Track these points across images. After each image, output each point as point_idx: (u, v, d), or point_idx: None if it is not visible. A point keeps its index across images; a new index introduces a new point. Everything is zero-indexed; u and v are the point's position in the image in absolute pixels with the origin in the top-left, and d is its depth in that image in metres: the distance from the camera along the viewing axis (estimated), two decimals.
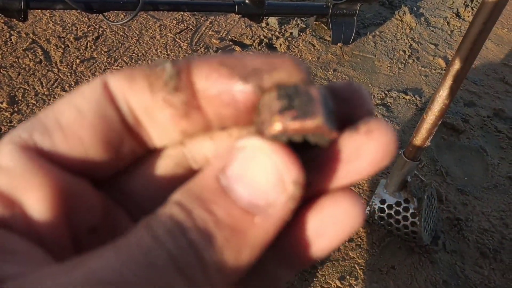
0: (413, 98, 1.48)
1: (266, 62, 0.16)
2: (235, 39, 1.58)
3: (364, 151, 0.16)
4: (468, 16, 1.97)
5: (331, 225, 0.17)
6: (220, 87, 0.16)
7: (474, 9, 2.01)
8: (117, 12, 1.57)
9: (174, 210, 0.15)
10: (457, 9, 2.00)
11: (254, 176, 0.15)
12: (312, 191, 0.17)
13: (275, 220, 0.15)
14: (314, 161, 0.17)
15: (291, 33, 1.64)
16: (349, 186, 0.17)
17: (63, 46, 1.42)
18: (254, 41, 1.57)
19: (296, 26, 1.67)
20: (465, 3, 2.03)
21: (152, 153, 0.19)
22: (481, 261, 1.06)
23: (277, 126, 0.15)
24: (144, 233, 0.14)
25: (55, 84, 1.30)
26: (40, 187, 0.15)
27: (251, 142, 0.15)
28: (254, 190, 0.15)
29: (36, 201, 0.15)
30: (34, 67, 1.34)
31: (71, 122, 0.16)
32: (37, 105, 1.23)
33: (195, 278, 0.14)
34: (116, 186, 0.19)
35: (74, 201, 0.16)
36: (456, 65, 0.80)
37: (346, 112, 0.17)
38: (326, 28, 1.67)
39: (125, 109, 0.16)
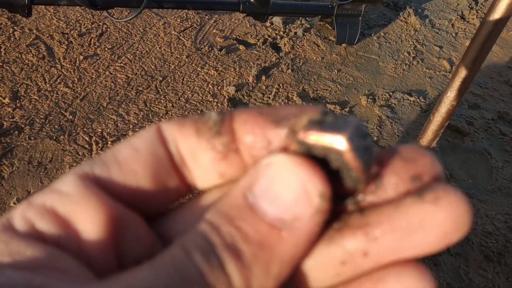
0: (418, 100, 1.48)
1: (297, 110, 0.17)
2: (239, 38, 1.57)
3: (429, 222, 0.15)
4: (473, 19, 1.96)
5: None
6: (256, 131, 0.17)
7: (479, 11, 2.00)
8: (121, 9, 1.56)
9: (204, 228, 0.15)
10: (462, 12, 1.99)
11: (280, 191, 0.15)
12: (368, 263, 0.16)
13: (302, 234, 0.15)
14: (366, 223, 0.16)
15: (295, 33, 1.63)
16: (414, 259, 0.16)
17: (66, 43, 1.41)
18: (258, 40, 1.56)
19: (300, 26, 1.66)
20: (470, 6, 2.03)
21: (195, 196, 0.20)
22: (485, 264, 1.05)
23: (299, 136, 0.16)
24: (177, 250, 0.15)
25: (58, 80, 1.29)
26: (94, 212, 0.16)
27: (276, 158, 0.16)
28: (280, 205, 0.15)
29: (89, 224, 0.16)
30: (37, 62, 1.33)
31: (127, 157, 0.17)
32: (40, 101, 1.22)
33: None
34: (163, 225, 0.20)
35: (125, 230, 0.17)
36: (465, 66, 0.79)
37: (409, 174, 0.17)
38: (330, 28, 1.66)
39: (174, 150, 0.18)
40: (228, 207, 0.16)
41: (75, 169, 0.17)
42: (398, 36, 1.78)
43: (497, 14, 0.72)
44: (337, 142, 0.15)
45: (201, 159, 0.18)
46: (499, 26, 0.74)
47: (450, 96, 0.84)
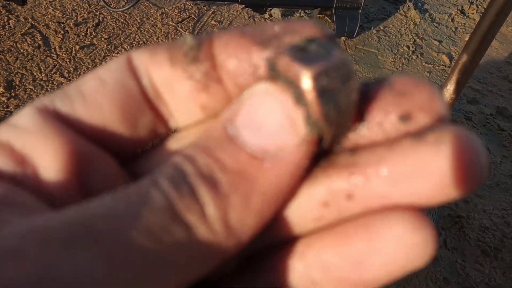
0: None
1: (286, 27, 0.15)
2: None
3: (427, 168, 0.13)
4: (473, 14, 1.95)
5: (378, 252, 0.14)
6: (240, 55, 0.15)
7: (479, 6, 1.99)
8: None
9: (177, 159, 0.14)
10: (462, 6, 1.98)
11: (263, 121, 0.14)
12: (353, 207, 0.14)
13: (286, 166, 0.14)
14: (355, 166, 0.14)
15: None
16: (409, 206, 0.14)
17: (62, 32, 1.40)
18: None
19: (299, 18, 1.65)
20: (470, 1, 2.02)
21: (172, 135, 0.18)
22: (482, 259, 1.05)
23: (273, 62, 0.14)
24: (144, 180, 0.14)
25: (54, 70, 1.27)
26: (53, 146, 0.15)
27: (258, 88, 0.14)
28: (263, 134, 0.14)
29: (47, 159, 0.15)
30: (32, 52, 1.31)
31: (92, 90, 0.16)
32: (35, 90, 1.20)
33: (195, 227, 0.13)
34: (137, 166, 0.18)
35: (91, 167, 0.16)
36: (465, 58, 0.79)
37: (398, 111, 0.14)
38: (330, 21, 1.65)
39: (146, 81, 0.16)
40: (206, 139, 0.14)
41: (34, 102, 0.16)
42: (398, 30, 1.77)
43: (498, 5, 0.71)
44: (302, 77, 0.13)
45: (177, 91, 0.16)
46: (500, 17, 0.73)
47: (449, 89, 0.83)
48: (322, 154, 0.15)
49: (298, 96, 0.14)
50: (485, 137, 1.38)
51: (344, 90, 0.14)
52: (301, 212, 0.15)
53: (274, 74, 0.14)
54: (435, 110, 0.14)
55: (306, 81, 0.13)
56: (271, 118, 0.14)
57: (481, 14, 2.00)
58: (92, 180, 0.16)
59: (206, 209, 0.13)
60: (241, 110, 0.14)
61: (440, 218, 1.10)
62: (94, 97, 0.16)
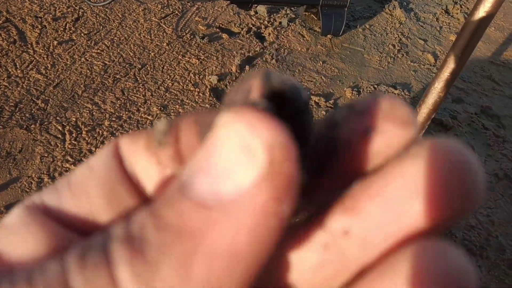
0: (402, 93, 1.46)
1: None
2: (222, 27, 1.52)
3: (408, 183, 0.12)
4: (457, 13, 1.96)
5: None
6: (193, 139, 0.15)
7: (463, 6, 2.00)
8: None
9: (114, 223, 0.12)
10: (446, 6, 1.99)
11: (217, 159, 0.11)
12: (354, 245, 0.12)
13: (246, 213, 0.10)
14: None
15: (280, 23, 1.59)
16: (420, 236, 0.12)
17: (40, 27, 1.34)
18: (242, 29, 1.52)
19: (285, 16, 1.63)
20: (454, 0, 2.03)
21: None
22: (468, 258, 1.04)
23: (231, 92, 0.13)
24: (49, 265, 0.12)
25: (30, 66, 1.22)
26: (28, 240, 0.14)
27: (216, 125, 0.12)
28: (215, 175, 0.11)
29: (22, 254, 0.14)
30: (7, 47, 1.26)
31: (80, 178, 0.15)
32: (10, 87, 1.15)
33: None
34: None
35: None
36: (453, 56, 0.77)
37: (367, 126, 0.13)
38: (316, 19, 1.63)
39: (129, 167, 0.16)
40: (156, 194, 0.13)
41: (25, 201, 0.16)
42: (383, 28, 1.76)
43: (488, 2, 0.70)
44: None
45: (151, 175, 0.16)
46: (487, 17, 0.72)
47: (437, 87, 0.82)
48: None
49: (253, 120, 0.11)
50: (470, 136, 1.39)
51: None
52: (301, 262, 0.13)
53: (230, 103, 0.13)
54: (401, 120, 0.13)
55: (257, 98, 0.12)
56: (226, 151, 0.11)
57: (465, 14, 2.01)
58: None
59: (119, 282, 0.10)
60: (198, 152, 0.11)
61: None
62: (81, 185, 0.15)
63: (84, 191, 0.15)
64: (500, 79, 1.69)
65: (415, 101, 1.43)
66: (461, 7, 2.00)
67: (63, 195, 0.15)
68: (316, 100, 1.33)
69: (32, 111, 1.11)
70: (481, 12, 0.71)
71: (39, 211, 0.15)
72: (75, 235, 0.15)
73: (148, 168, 0.16)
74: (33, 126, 1.07)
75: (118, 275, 0.10)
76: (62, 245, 0.15)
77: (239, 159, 0.10)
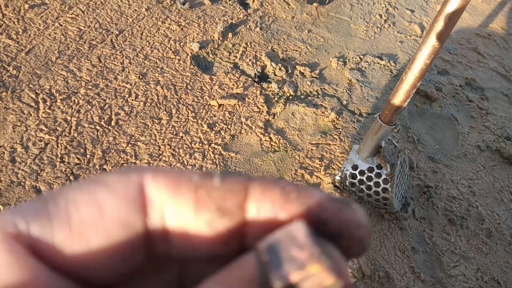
0: (388, 64, 1.44)
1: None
2: None
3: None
4: None
5: None
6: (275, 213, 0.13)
7: None
8: None
9: None
10: None
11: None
12: None
13: None
14: None
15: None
16: None
17: None
18: None
19: None
20: None
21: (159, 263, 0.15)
22: (449, 228, 1.06)
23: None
24: None
25: (0, 31, 1.15)
26: (4, 277, 0.12)
27: None
28: None
29: None
30: None
31: (84, 219, 0.13)
32: None
33: None
34: None
35: None
36: (440, 21, 0.75)
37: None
38: None
39: (156, 221, 0.14)
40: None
41: (5, 223, 0.13)
42: None
43: None
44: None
45: (193, 237, 0.14)
46: None
47: (423, 54, 0.80)
48: None
49: None
50: (454, 108, 1.38)
51: None
52: None
53: None
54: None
55: None
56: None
57: None
58: None
59: None
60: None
61: (409, 188, 1.10)
62: (84, 227, 0.13)
63: (86, 237, 0.13)
64: (485, 51, 1.68)
65: (400, 72, 1.42)
66: None
67: (57, 234, 0.13)
68: (301, 70, 1.30)
69: (3, 78, 1.05)
70: None
71: (23, 247, 0.13)
72: (60, 277, 0.13)
73: (191, 228, 0.14)
74: (4, 94, 1.02)
75: None
76: (36, 284, 0.13)
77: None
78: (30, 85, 1.05)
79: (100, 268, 0.14)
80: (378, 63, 1.44)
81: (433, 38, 0.78)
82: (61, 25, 1.21)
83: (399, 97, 0.87)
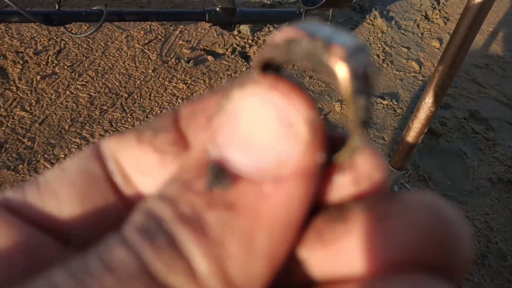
0: (391, 103, 1.47)
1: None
2: (207, 49, 1.52)
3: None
4: (437, 19, 1.99)
5: None
6: (203, 114, 0.14)
7: (441, 11, 2.04)
8: (80, 23, 1.48)
9: (149, 203, 0.11)
10: (426, 12, 2.02)
11: (251, 133, 0.11)
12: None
13: (293, 186, 0.11)
14: None
15: (264, 41, 1.59)
16: None
17: (21, 62, 1.32)
18: (227, 49, 1.52)
19: (269, 33, 1.63)
20: (433, 6, 2.06)
21: None
22: (470, 268, 1.04)
23: (256, 58, 0.11)
24: (107, 241, 0.11)
25: (14, 104, 1.20)
26: None
27: (235, 93, 0.11)
28: (254, 149, 0.11)
29: None
30: None
31: (49, 179, 0.15)
32: None
33: None
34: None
35: (37, 257, 0.14)
36: (441, 70, 0.78)
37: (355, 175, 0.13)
38: None
39: (112, 166, 0.15)
40: (183, 171, 0.11)
41: None
42: (366, 39, 1.78)
43: (472, 14, 0.71)
44: (333, 54, 0.10)
45: (146, 167, 0.14)
46: (474, 29, 0.73)
47: (428, 102, 0.82)
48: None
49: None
50: (461, 142, 1.39)
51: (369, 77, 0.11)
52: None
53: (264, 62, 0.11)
54: (376, 177, 0.13)
55: (338, 60, 0.10)
56: (262, 125, 0.11)
57: (444, 19, 2.03)
58: (40, 269, 0.14)
59: (195, 265, 0.10)
60: (222, 123, 0.11)
61: None
62: (51, 185, 0.15)
63: (54, 190, 0.15)
64: (484, 81, 1.71)
65: (404, 111, 1.44)
66: (440, 12, 2.03)
67: (28, 193, 0.15)
68: None
69: (19, 151, 1.08)
70: (465, 28, 0.71)
71: (1, 207, 0.14)
72: (41, 232, 0.14)
73: (142, 159, 0.15)
74: (20, 166, 1.04)
75: (190, 255, 0.10)
76: (29, 241, 0.14)
77: (278, 133, 0.11)
78: (45, 155, 1.08)
79: (75, 220, 0.15)
80: (381, 103, 1.46)
81: (435, 87, 0.80)
82: (72, 93, 1.26)
83: (407, 143, 0.89)
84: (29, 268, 0.14)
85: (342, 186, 0.13)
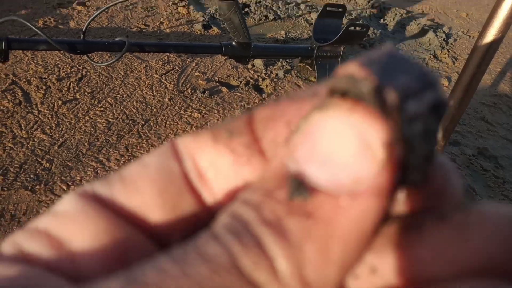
0: None
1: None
2: (222, 80, 1.57)
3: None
4: (445, 58, 2.04)
5: None
6: (279, 123, 0.15)
7: (450, 51, 2.09)
8: (102, 52, 1.55)
9: (235, 207, 0.12)
10: (434, 51, 2.07)
11: (330, 150, 0.12)
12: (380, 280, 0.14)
13: (367, 201, 0.12)
14: None
15: (276, 74, 1.65)
16: None
17: (44, 87, 1.38)
18: (240, 82, 1.57)
19: (281, 68, 1.68)
20: (441, 46, 2.12)
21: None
22: None
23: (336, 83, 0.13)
24: (202, 235, 0.12)
25: (35, 127, 1.24)
26: (90, 228, 0.15)
27: (317, 114, 0.12)
28: (332, 166, 0.12)
29: (84, 241, 0.14)
30: (13, 108, 1.28)
31: (133, 174, 0.16)
32: (15, 148, 1.16)
33: (264, 285, 0.11)
34: None
35: (127, 248, 0.15)
36: (451, 107, 0.80)
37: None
38: (311, 69, 1.69)
39: (189, 164, 0.16)
40: (264, 181, 0.12)
41: (76, 189, 0.16)
42: None
43: (479, 54, 0.74)
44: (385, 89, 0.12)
45: (221, 168, 0.15)
46: (482, 68, 0.76)
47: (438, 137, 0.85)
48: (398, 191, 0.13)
49: (373, 111, 0.12)
50: (470, 179, 1.40)
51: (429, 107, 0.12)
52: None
53: (338, 92, 0.13)
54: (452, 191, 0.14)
55: (390, 93, 0.12)
56: (340, 144, 0.12)
57: (453, 58, 2.08)
58: (129, 261, 0.15)
59: (277, 264, 0.11)
60: (301, 141, 0.12)
61: None
62: (134, 181, 0.15)
63: (137, 186, 0.15)
64: (493, 120, 1.73)
65: None
66: (448, 51, 2.09)
67: (115, 187, 0.15)
68: None
69: (37, 172, 1.11)
70: (473, 68, 0.74)
71: (91, 199, 0.15)
72: (129, 225, 0.15)
73: (217, 159, 0.15)
74: (38, 187, 1.07)
75: (273, 255, 0.11)
76: (120, 234, 0.15)
77: (356, 153, 0.12)
78: (62, 177, 1.11)
79: (155, 215, 0.15)
80: None
81: (446, 122, 0.83)
82: (91, 118, 1.30)
83: None
84: (121, 259, 0.15)
85: (415, 198, 0.14)
